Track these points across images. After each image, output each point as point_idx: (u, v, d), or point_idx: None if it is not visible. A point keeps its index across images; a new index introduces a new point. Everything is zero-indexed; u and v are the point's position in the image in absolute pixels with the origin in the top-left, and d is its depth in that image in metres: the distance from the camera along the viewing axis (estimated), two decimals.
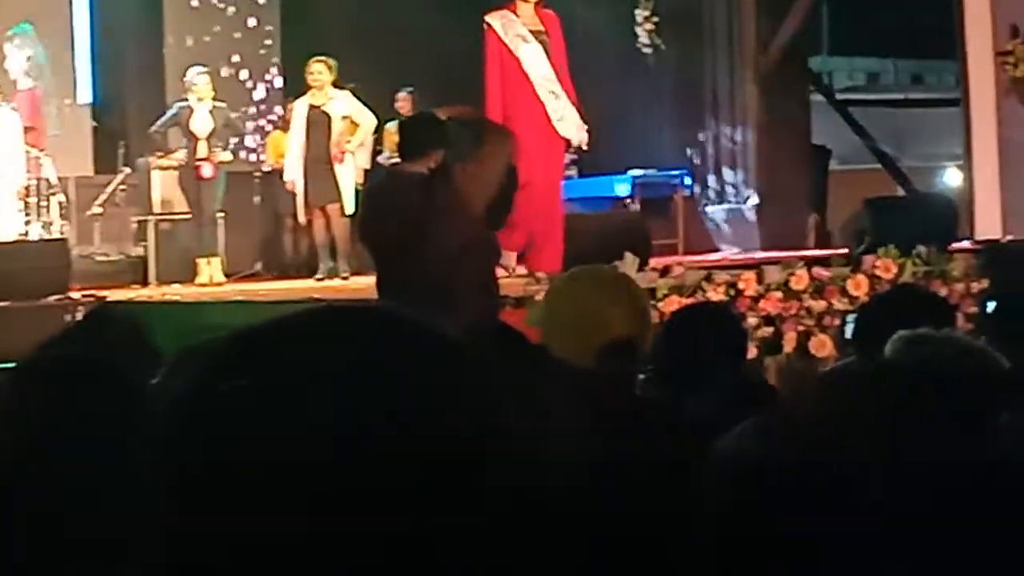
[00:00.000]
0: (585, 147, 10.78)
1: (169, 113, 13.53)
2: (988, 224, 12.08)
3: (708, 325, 4.46)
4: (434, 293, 6.33)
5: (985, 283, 9.79)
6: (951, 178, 19.24)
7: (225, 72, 15.30)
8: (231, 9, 15.87)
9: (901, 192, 16.18)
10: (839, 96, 19.87)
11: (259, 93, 16.03)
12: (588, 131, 10.65)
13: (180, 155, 13.54)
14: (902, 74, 32.75)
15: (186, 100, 13.40)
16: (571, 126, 10.42)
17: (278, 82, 15.97)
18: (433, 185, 6.90)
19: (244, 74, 15.88)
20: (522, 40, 10.21)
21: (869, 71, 33.22)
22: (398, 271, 6.91)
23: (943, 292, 9.70)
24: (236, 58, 15.88)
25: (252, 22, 15.96)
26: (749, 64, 14.95)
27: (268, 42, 16.04)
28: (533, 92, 10.19)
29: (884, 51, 30.93)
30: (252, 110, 15.91)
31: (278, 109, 15.67)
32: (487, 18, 10.29)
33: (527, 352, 3.63)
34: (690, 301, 8.49)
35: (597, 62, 15.76)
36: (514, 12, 10.29)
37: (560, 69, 10.40)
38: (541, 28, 10.31)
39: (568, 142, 10.55)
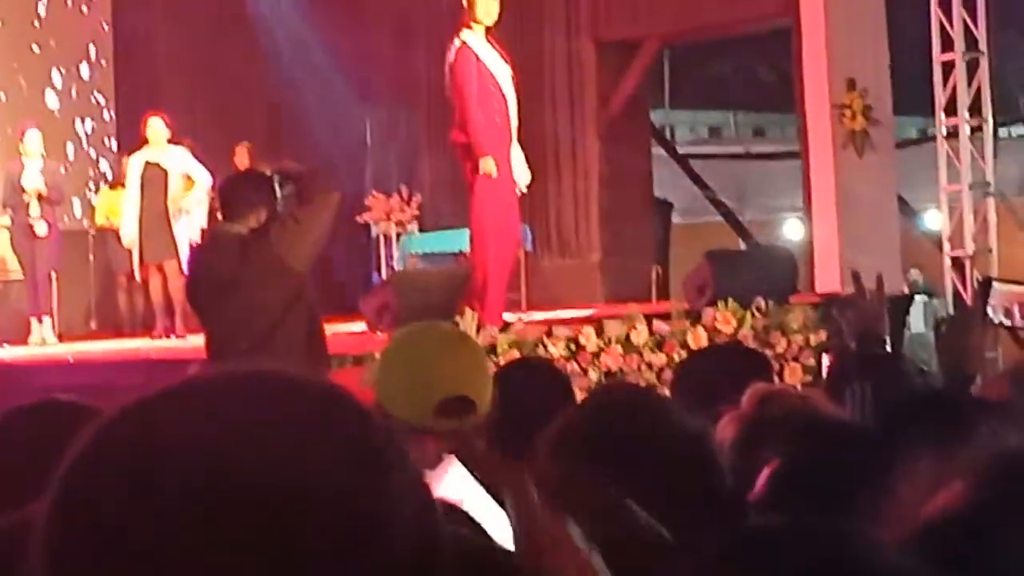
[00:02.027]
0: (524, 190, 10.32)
1: (6, 176, 13.22)
2: (827, 276, 12.17)
3: (527, 381, 4.35)
4: (257, 353, 6.18)
5: (823, 335, 9.83)
6: (792, 230, 19.47)
7: (57, 129, 14.95)
8: (63, 64, 15.56)
9: (742, 245, 16.31)
10: (681, 149, 20.04)
11: (92, 149, 15.70)
12: (423, 187, 10.48)
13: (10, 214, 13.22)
14: (743, 127, 33.20)
15: (19, 158, 13.09)
16: (522, 166, 10.13)
17: (111, 138, 15.66)
18: (250, 244, 6.75)
19: (77, 130, 15.55)
20: (494, 59, 9.89)
21: (711, 124, 33.64)
22: (222, 331, 6.76)
23: (782, 344, 9.74)
24: (68, 114, 15.55)
25: (85, 77, 15.65)
26: (590, 117, 15.00)
27: (102, 98, 15.74)
28: (507, 114, 9.84)
29: (725, 104, 31.36)
30: (85, 167, 15.58)
31: (111, 165, 15.35)
32: (461, 36, 9.79)
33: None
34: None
35: (438, 117, 15.74)
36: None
37: None
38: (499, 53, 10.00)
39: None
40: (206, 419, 1.13)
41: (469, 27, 9.72)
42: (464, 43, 9.71)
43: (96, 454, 1.14)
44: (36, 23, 15.47)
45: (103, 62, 15.76)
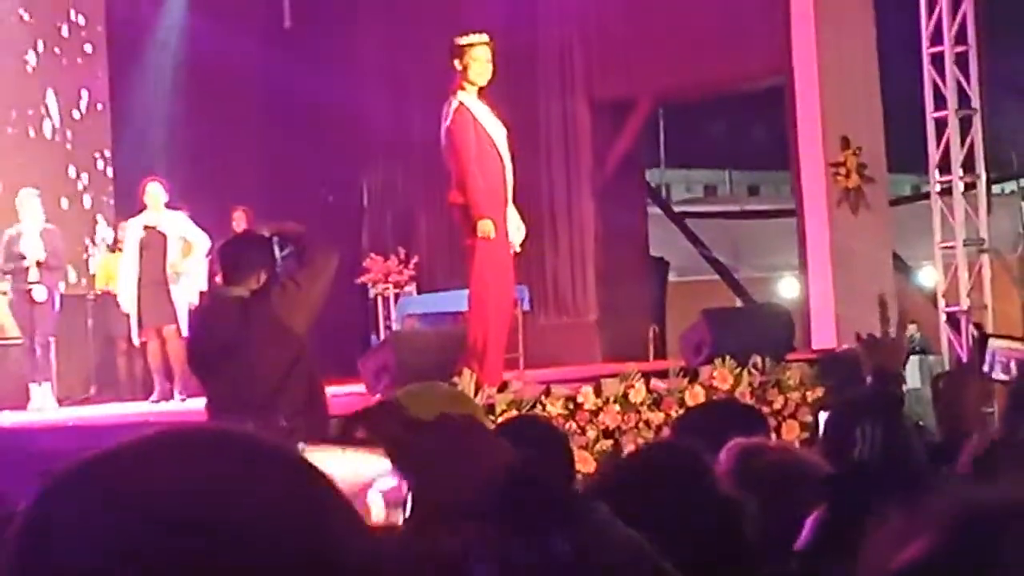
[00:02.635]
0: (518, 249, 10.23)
1: (5, 242, 13.26)
2: (823, 333, 12.22)
3: (525, 438, 4.37)
4: (260, 414, 6.20)
5: (820, 392, 9.86)
6: (787, 288, 19.51)
7: (55, 193, 14.99)
8: (60, 130, 15.63)
9: (739, 302, 16.35)
10: (676, 208, 20.12)
11: (91, 214, 15.75)
12: (420, 248, 10.47)
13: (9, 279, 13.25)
14: (738, 186, 33.29)
15: (16, 223, 13.14)
16: (517, 225, 10.14)
17: (110, 203, 15.72)
18: (251, 307, 6.78)
19: (75, 195, 15.60)
20: (491, 120, 9.91)
21: (706, 183, 33.75)
22: (223, 395, 6.77)
23: (779, 401, 9.77)
24: (67, 179, 15.60)
25: (83, 142, 15.71)
26: (586, 178, 15.07)
27: (100, 162, 15.80)
28: (503, 175, 9.82)
29: (720, 163, 31.47)
30: (83, 232, 15.62)
31: (110, 230, 15.39)
32: (457, 97, 9.71)
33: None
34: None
35: (434, 178, 15.80)
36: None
37: None
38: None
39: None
40: (152, 474, 1.17)
41: (463, 88, 9.76)
42: (461, 104, 9.74)
43: (43, 513, 1.18)
44: (43, 94, 15.56)
45: (102, 128, 15.82)
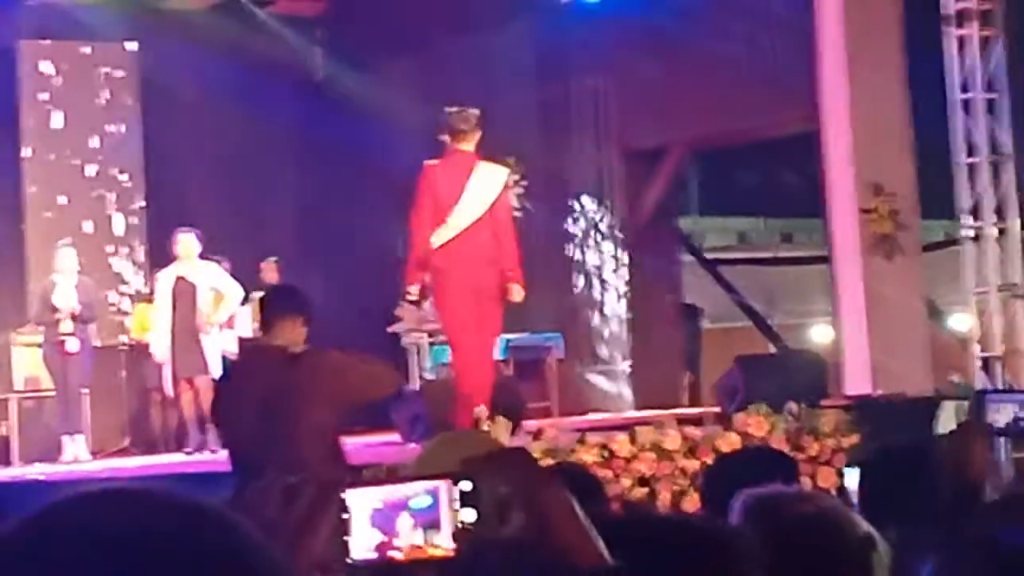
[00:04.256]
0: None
1: (38, 292, 13.33)
2: (857, 379, 12.15)
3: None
4: (290, 467, 6.21)
5: (855, 438, 9.80)
6: (821, 334, 19.43)
7: (88, 245, 15.06)
8: (94, 181, 15.71)
9: (772, 349, 16.29)
10: (709, 255, 20.08)
11: (123, 265, 15.81)
12: None
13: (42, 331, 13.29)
14: (771, 232, 33.20)
15: (51, 275, 13.21)
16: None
17: (142, 254, 15.77)
18: (302, 361, 6.77)
19: (108, 246, 15.66)
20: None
21: (739, 230, 33.68)
22: (250, 444, 6.71)
23: (814, 448, 9.72)
24: (100, 231, 15.67)
25: (114, 194, 15.78)
26: (619, 226, 15.08)
27: (133, 215, 15.87)
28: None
29: (753, 210, 31.41)
30: (116, 282, 15.68)
31: (142, 281, 15.44)
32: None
33: None
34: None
35: None
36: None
37: None
38: None
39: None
40: (83, 533, 1.20)
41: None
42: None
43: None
44: (76, 147, 15.67)
45: (134, 181, 15.90)
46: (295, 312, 7.00)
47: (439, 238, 9.91)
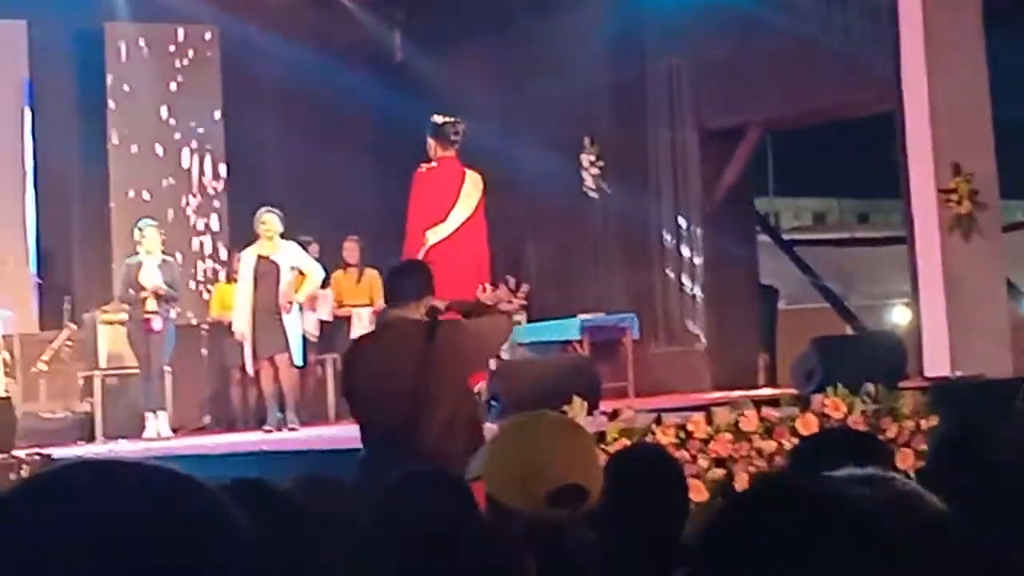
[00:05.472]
0: None
1: (123, 271, 13.52)
2: (937, 361, 12.10)
3: (641, 469, 4.38)
4: (434, 445, 6.30)
5: (934, 420, 9.77)
6: (899, 315, 19.34)
7: (172, 225, 15.26)
8: (176, 161, 15.90)
9: (849, 330, 16.23)
10: (786, 236, 20.03)
11: (205, 245, 16.00)
12: (529, 277, 10.95)
13: (127, 309, 13.49)
14: (848, 213, 33.05)
15: (136, 254, 13.39)
16: None
17: (224, 234, 15.95)
18: (437, 331, 6.83)
19: (190, 226, 15.86)
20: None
21: (815, 211, 33.54)
22: (390, 419, 6.71)
23: (893, 430, 9.70)
24: (183, 211, 15.88)
25: (197, 174, 15.98)
26: (695, 206, 15.07)
27: (215, 196, 16.05)
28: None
29: (829, 191, 31.26)
30: (199, 262, 15.87)
31: (223, 261, 15.62)
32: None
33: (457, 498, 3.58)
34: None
35: (544, 207, 15.88)
36: None
37: None
38: None
39: None
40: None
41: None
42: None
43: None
44: (160, 129, 15.89)
45: (216, 160, 16.08)
46: (425, 292, 7.12)
47: (436, 235, 10.44)
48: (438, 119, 10.78)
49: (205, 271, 15.89)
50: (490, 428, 8.79)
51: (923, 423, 9.83)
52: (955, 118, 12.47)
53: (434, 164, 10.69)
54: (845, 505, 1.76)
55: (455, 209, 10.68)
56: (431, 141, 10.65)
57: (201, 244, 15.95)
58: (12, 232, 15.36)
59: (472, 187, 10.77)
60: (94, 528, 1.21)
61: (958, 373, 11.65)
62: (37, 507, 1.24)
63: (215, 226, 16.02)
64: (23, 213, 15.42)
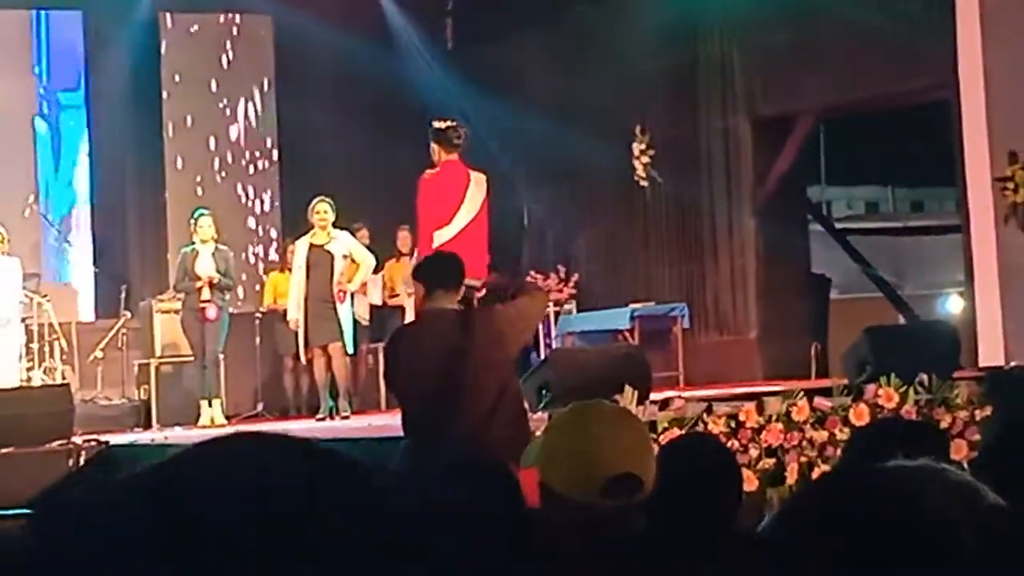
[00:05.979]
0: None
1: (178, 260, 13.62)
2: (991, 351, 12.04)
3: (694, 458, 4.38)
4: (475, 434, 6.33)
5: (989, 410, 9.72)
6: (953, 305, 19.24)
7: (226, 214, 15.34)
8: (230, 152, 16.00)
9: (902, 320, 16.16)
10: (838, 225, 19.95)
11: (259, 234, 16.09)
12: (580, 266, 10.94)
13: (182, 297, 13.58)
14: (901, 202, 32.84)
15: (191, 244, 13.47)
16: None
17: (277, 223, 16.04)
18: (473, 320, 6.88)
19: (245, 216, 15.96)
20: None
21: (868, 199, 33.35)
22: (433, 410, 6.75)
23: (946, 420, 9.66)
24: (237, 200, 15.97)
25: (252, 166, 16.07)
26: (746, 195, 15.03)
27: (268, 185, 16.14)
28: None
29: (882, 179, 31.07)
30: (252, 250, 15.96)
31: (276, 249, 15.71)
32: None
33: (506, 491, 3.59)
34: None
35: (595, 196, 15.88)
36: None
37: None
38: None
39: None
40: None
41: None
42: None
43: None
44: (214, 118, 15.98)
45: (270, 152, 16.17)
46: (460, 282, 7.17)
47: (442, 237, 10.56)
48: (439, 124, 10.88)
49: (258, 260, 15.97)
50: (540, 417, 8.82)
51: (977, 413, 9.77)
52: (1012, 106, 12.38)
53: (438, 169, 10.77)
54: (917, 500, 1.76)
55: (460, 211, 10.74)
56: (434, 146, 10.73)
57: (255, 233, 16.04)
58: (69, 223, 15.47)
59: (476, 188, 10.82)
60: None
61: (1013, 363, 11.57)
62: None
63: (269, 215, 16.11)
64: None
